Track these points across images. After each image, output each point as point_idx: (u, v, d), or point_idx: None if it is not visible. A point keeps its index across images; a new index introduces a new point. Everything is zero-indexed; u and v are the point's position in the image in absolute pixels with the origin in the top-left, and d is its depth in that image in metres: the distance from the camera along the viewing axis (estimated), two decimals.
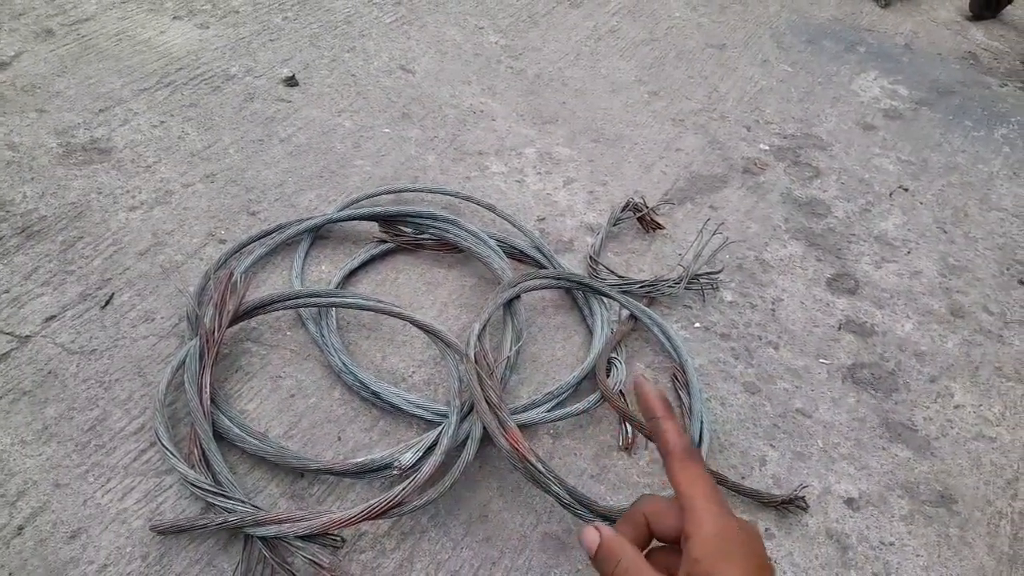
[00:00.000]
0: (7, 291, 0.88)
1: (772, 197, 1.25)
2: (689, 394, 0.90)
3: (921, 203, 1.29)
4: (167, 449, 0.73)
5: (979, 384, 0.99)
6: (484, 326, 0.82)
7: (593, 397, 0.83)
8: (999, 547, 0.81)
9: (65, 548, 0.68)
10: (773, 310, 1.05)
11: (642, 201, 1.13)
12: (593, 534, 0.49)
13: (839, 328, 1.04)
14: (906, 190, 1.32)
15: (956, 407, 0.95)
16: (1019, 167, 1.41)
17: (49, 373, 0.81)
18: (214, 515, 0.69)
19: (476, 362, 0.77)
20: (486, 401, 0.74)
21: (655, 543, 0.51)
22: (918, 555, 0.79)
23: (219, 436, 0.76)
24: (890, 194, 1.30)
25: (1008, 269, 1.17)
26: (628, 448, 0.84)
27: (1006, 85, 1.69)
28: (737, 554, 0.45)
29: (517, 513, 0.77)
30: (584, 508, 0.72)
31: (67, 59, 1.22)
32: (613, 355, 0.88)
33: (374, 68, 1.36)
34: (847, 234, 1.20)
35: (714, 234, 1.09)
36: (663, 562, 0.48)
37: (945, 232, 1.24)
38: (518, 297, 0.90)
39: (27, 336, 0.84)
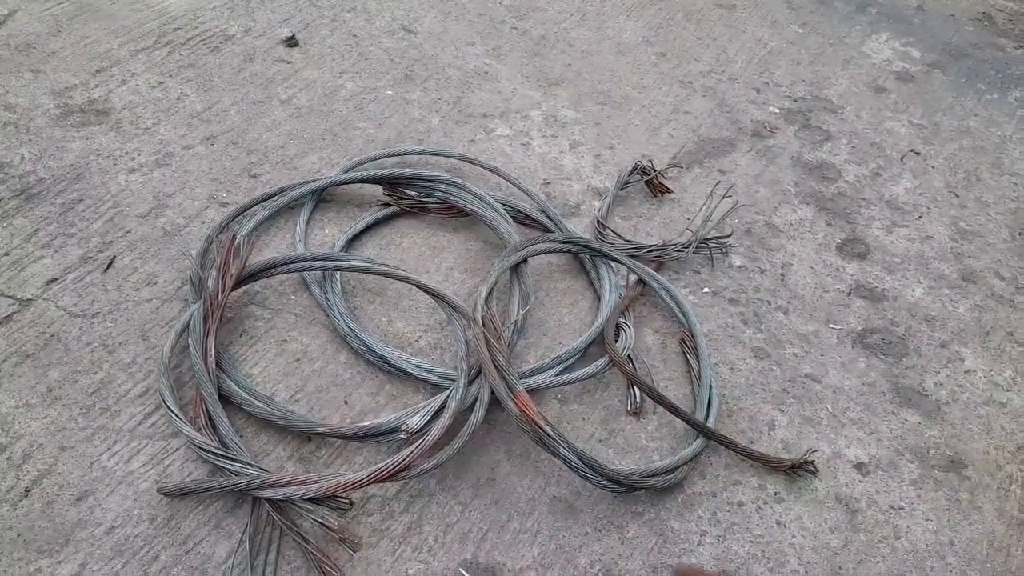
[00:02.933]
0: (7, 254, 0.87)
1: (782, 161, 1.23)
2: (698, 359, 0.89)
3: (933, 167, 1.27)
4: (172, 412, 0.72)
5: (990, 349, 0.98)
6: (491, 290, 0.81)
7: (602, 361, 0.82)
8: (1009, 511, 0.81)
9: (72, 510, 0.68)
10: (783, 275, 1.03)
11: (650, 164, 1.11)
12: None
13: (849, 293, 1.03)
14: (918, 154, 1.30)
15: (967, 372, 0.95)
16: None
17: (52, 336, 0.80)
18: (221, 478, 0.69)
19: (484, 326, 0.76)
20: (494, 365, 0.73)
21: None
22: (927, 519, 0.79)
23: (225, 399, 0.76)
24: (901, 158, 1.28)
25: (1020, 234, 1.16)
26: (636, 412, 0.83)
27: (1021, 47, 1.65)
28: None
29: (525, 476, 0.77)
30: (593, 471, 0.72)
31: (62, 18, 1.20)
32: (622, 320, 0.87)
33: (376, 28, 1.33)
34: (858, 198, 1.19)
35: (724, 198, 1.07)
36: None
37: (957, 196, 1.22)
38: (525, 261, 0.89)
39: (29, 299, 0.83)
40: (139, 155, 1.01)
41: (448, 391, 0.75)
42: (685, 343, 0.91)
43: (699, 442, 0.79)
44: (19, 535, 0.66)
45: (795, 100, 1.37)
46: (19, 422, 0.73)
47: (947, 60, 1.56)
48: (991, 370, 0.95)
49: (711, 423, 0.82)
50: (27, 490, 0.69)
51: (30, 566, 0.64)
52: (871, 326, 0.99)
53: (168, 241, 0.91)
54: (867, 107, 1.39)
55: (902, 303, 1.03)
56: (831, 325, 0.98)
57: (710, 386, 0.86)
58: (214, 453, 0.70)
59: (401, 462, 0.67)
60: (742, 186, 1.16)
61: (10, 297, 0.83)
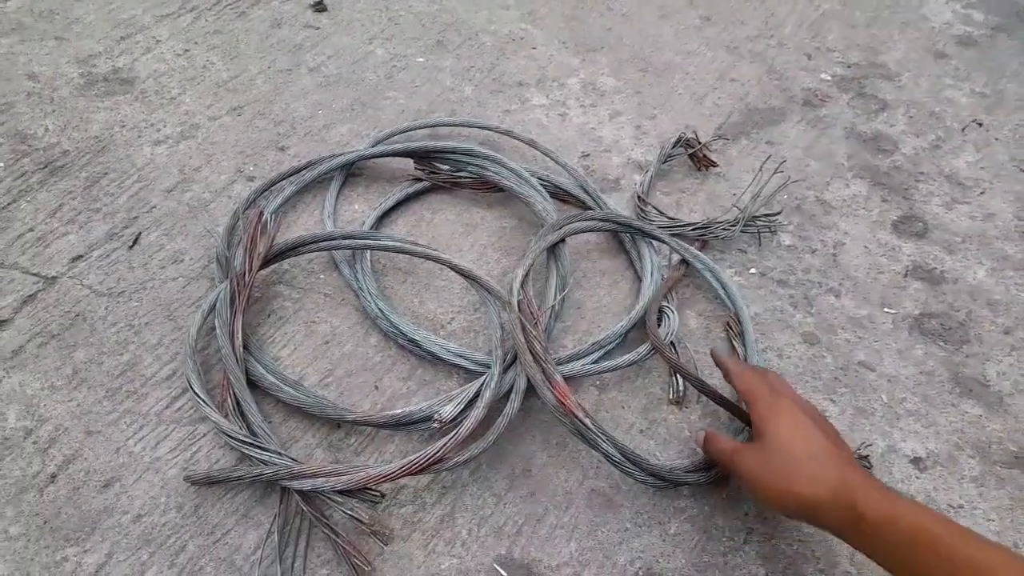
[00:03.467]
0: (31, 229, 0.85)
1: (834, 132, 1.16)
2: (744, 344, 0.84)
3: (996, 139, 1.19)
4: (199, 397, 0.70)
5: None
6: (527, 272, 0.77)
7: (643, 348, 0.78)
8: None
9: (99, 497, 0.67)
10: (834, 255, 0.98)
11: (694, 136, 1.05)
12: (702, 434, 0.72)
13: (906, 275, 0.97)
14: (980, 124, 1.21)
15: None
16: None
17: (77, 316, 0.79)
18: (249, 467, 0.67)
19: (520, 311, 0.73)
20: (531, 352, 0.70)
21: None
22: (989, 519, 0.74)
23: (252, 384, 0.73)
24: (963, 129, 1.20)
25: None
26: (679, 402, 0.80)
27: None
28: (779, 408, 0.65)
29: (562, 468, 0.73)
30: (634, 466, 0.68)
31: None
32: (665, 303, 0.83)
33: None
34: (915, 172, 1.11)
35: (775, 173, 1.01)
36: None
37: (1023, 171, 1.14)
38: (563, 241, 0.85)
39: (54, 277, 0.81)
40: (164, 127, 0.98)
41: (482, 379, 0.72)
42: (731, 327, 0.87)
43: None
44: (46, 522, 0.65)
45: (849, 66, 1.29)
46: (45, 405, 0.72)
47: (1013, 23, 1.46)
48: None
49: None
50: (53, 476, 0.68)
51: (57, 554, 0.63)
52: (929, 310, 0.93)
53: (194, 217, 0.88)
54: (926, 74, 1.30)
55: (963, 286, 0.96)
56: (886, 309, 0.93)
57: None
58: (242, 441, 0.68)
59: (433, 455, 0.64)
60: (792, 159, 1.10)
61: (35, 275, 0.81)
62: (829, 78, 1.26)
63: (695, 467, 0.73)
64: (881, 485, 0.59)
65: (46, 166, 0.91)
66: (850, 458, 0.62)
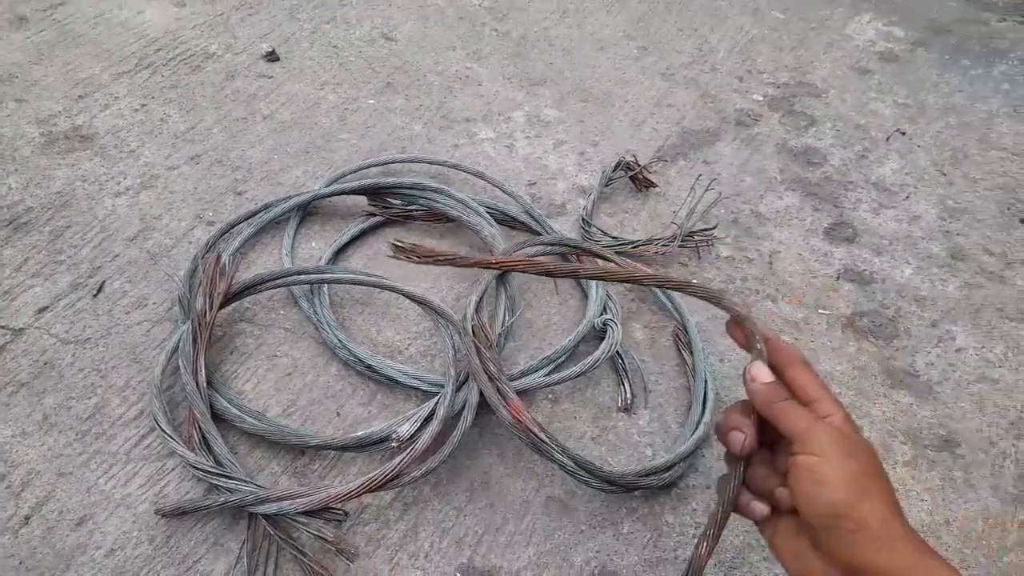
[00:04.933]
0: None
1: (767, 148, 1.23)
2: (692, 353, 0.89)
3: (919, 146, 1.27)
4: (166, 433, 0.73)
5: (981, 326, 0.98)
6: (480, 298, 0.82)
7: (590, 360, 0.83)
8: (1003, 487, 0.81)
9: (72, 535, 0.69)
10: (770, 263, 1.04)
11: (634, 160, 1.11)
12: (766, 371, 0.54)
13: (838, 278, 1.03)
14: (903, 134, 1.30)
15: (958, 350, 0.95)
16: (1019, 104, 1.38)
17: (45, 364, 0.81)
18: (217, 496, 0.70)
19: (474, 335, 0.77)
20: (486, 373, 0.74)
21: None
22: (922, 499, 0.79)
23: (218, 417, 0.77)
24: (887, 139, 1.28)
25: (1009, 208, 1.16)
26: (627, 409, 0.84)
27: (1005, 20, 1.64)
28: (860, 432, 0.52)
29: (519, 478, 0.77)
30: (589, 474, 0.72)
31: (43, 46, 1.21)
32: (608, 317, 0.88)
33: (356, 38, 1.33)
34: (844, 182, 1.19)
35: (707, 190, 1.07)
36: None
37: (944, 175, 1.22)
38: None
39: (21, 328, 0.84)
40: (125, 179, 1.02)
41: (436, 398, 0.76)
42: (679, 337, 0.92)
43: (694, 439, 0.79)
44: (21, 562, 0.67)
45: (778, 87, 1.37)
46: (16, 450, 0.74)
47: (931, 37, 1.56)
48: (982, 347, 0.95)
49: (707, 416, 0.82)
50: (27, 517, 0.70)
51: None
52: (861, 309, 0.99)
53: (155, 264, 0.92)
54: (851, 89, 1.39)
55: (891, 284, 1.03)
56: (821, 310, 0.98)
57: (705, 380, 0.86)
58: (209, 472, 0.71)
59: (391, 471, 0.68)
60: (727, 176, 1.16)
61: (3, 327, 0.84)
62: (760, 98, 1.34)
63: (646, 471, 0.77)
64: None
65: (10, 223, 0.94)
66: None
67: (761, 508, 0.54)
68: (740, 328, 0.58)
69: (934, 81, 1.43)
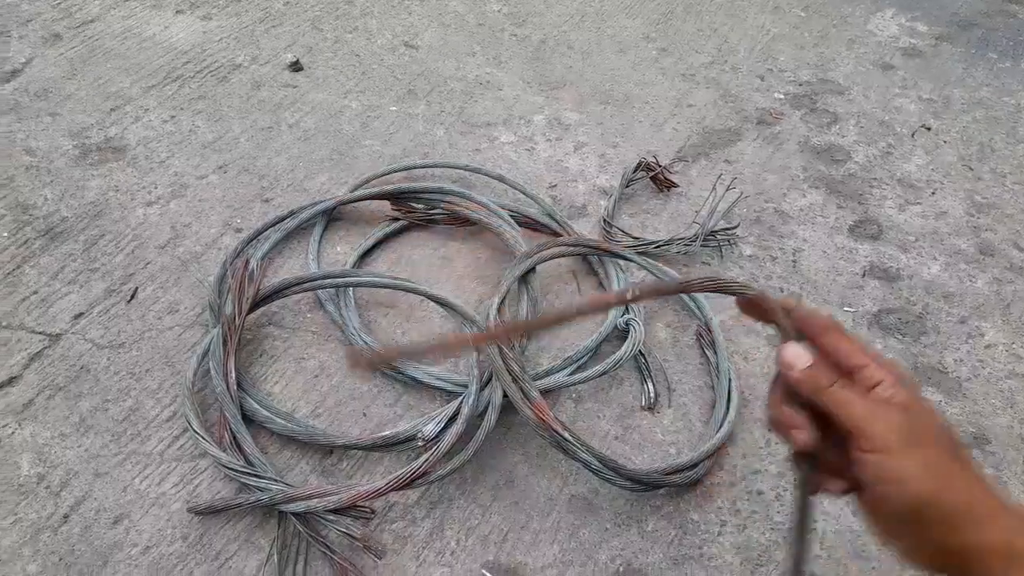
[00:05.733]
0: (35, 292, 0.91)
1: (789, 146, 1.23)
2: (715, 352, 0.89)
3: (945, 141, 1.26)
4: (199, 434, 0.75)
5: (1011, 322, 0.97)
6: (503, 300, 0.83)
7: (611, 360, 0.83)
8: None
9: (109, 533, 0.71)
10: (794, 261, 1.03)
11: (655, 160, 1.12)
12: (803, 353, 0.48)
13: (863, 275, 1.02)
14: (928, 129, 1.28)
15: (987, 347, 0.94)
16: None
17: (82, 368, 0.84)
18: (248, 495, 0.71)
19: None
20: (509, 373, 0.75)
21: None
22: None
23: (248, 419, 0.78)
24: (912, 135, 1.27)
25: None
26: (651, 408, 0.84)
27: None
28: (919, 393, 0.47)
29: (543, 477, 0.78)
30: (613, 472, 0.73)
31: (76, 61, 1.24)
32: (631, 317, 0.88)
33: (377, 46, 1.36)
34: (868, 179, 1.18)
35: (728, 189, 1.07)
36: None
37: (971, 169, 1.20)
38: (533, 269, 0.90)
39: (58, 334, 0.87)
40: (156, 188, 1.04)
41: (460, 397, 0.77)
42: (702, 336, 0.92)
43: (719, 437, 0.79)
44: (60, 559, 0.69)
45: (800, 84, 1.37)
46: (55, 452, 0.77)
47: (955, 31, 1.54)
48: (1012, 343, 0.94)
49: (732, 414, 0.82)
50: (66, 516, 0.72)
51: None
52: (887, 306, 0.98)
53: (186, 270, 0.94)
54: (874, 86, 1.37)
55: (918, 281, 1.02)
56: (846, 308, 0.98)
57: (729, 379, 0.86)
58: (240, 471, 0.72)
59: (418, 470, 0.69)
60: (749, 175, 1.16)
61: (40, 333, 0.87)
62: (782, 96, 1.34)
63: (671, 469, 0.77)
64: None
65: (47, 232, 0.97)
66: None
67: (839, 486, 0.48)
68: (755, 307, 0.52)
69: (960, 75, 1.41)
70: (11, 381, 0.82)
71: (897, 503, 0.43)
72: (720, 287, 0.54)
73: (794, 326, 0.49)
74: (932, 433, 0.45)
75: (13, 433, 0.78)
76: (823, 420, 0.47)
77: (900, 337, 0.94)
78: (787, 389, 0.49)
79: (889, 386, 0.46)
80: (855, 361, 0.47)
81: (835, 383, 0.46)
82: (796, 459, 0.49)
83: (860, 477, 0.45)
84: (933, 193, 1.16)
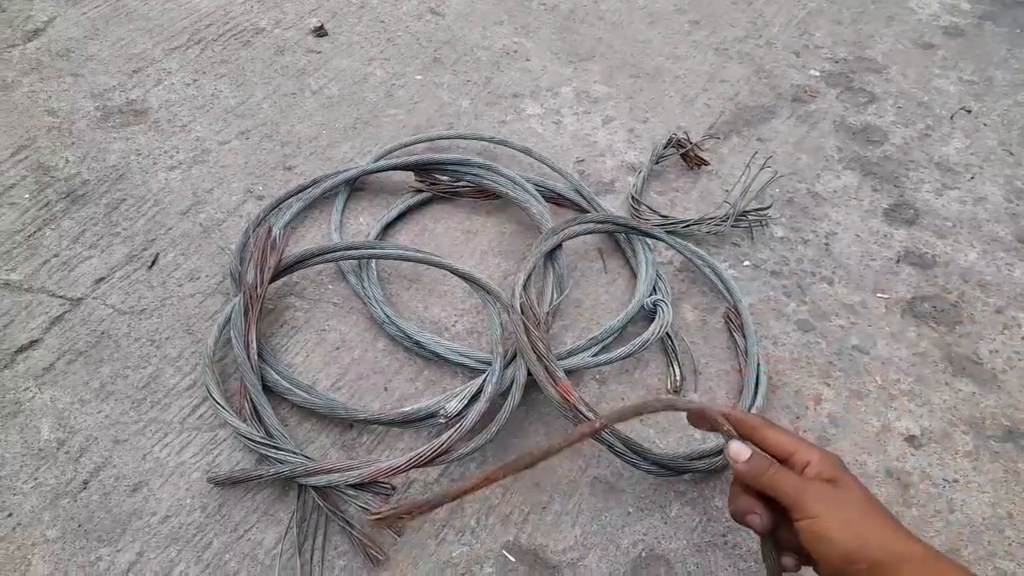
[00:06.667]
0: (56, 255, 0.90)
1: (824, 126, 1.19)
2: (744, 336, 0.87)
3: (985, 124, 1.22)
4: (219, 404, 0.74)
5: None
6: (528, 276, 0.81)
7: (638, 341, 0.81)
8: None
9: (128, 501, 0.71)
10: (827, 244, 1.00)
11: (685, 137, 1.09)
12: (745, 450, 0.59)
13: (898, 261, 0.99)
14: (969, 111, 1.24)
15: (1023, 338, 0.91)
16: None
17: (102, 334, 0.83)
18: (268, 466, 0.70)
19: (523, 313, 0.76)
20: (534, 352, 0.73)
21: None
22: (983, 492, 0.76)
23: (268, 390, 0.77)
24: (951, 117, 1.23)
25: None
26: (677, 391, 0.82)
27: None
28: (843, 467, 0.58)
29: (566, 458, 0.77)
30: (638, 456, 0.71)
31: (98, 21, 1.22)
32: (658, 297, 0.86)
33: (403, 13, 1.32)
34: (905, 161, 1.14)
35: (762, 168, 1.04)
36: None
37: (1012, 154, 1.16)
38: (559, 246, 0.88)
39: (79, 298, 0.86)
40: (177, 153, 1.03)
41: (484, 375, 0.75)
42: (731, 319, 0.90)
43: None
44: (80, 525, 0.69)
45: (837, 62, 1.32)
46: (75, 417, 0.76)
47: (999, 10, 1.48)
48: None
49: (759, 401, 0.81)
50: (85, 482, 0.72)
51: (91, 554, 0.67)
52: (922, 294, 0.95)
53: (208, 237, 0.93)
54: (913, 65, 1.33)
55: (954, 268, 0.99)
56: (879, 294, 0.95)
57: (758, 364, 0.84)
58: (259, 442, 0.71)
59: (439, 447, 0.68)
60: (782, 154, 1.13)
61: (61, 297, 0.86)
62: (817, 74, 1.29)
63: (697, 455, 0.75)
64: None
65: (68, 195, 0.96)
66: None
67: (790, 562, 0.59)
68: (702, 418, 0.63)
69: (1003, 56, 1.36)
70: (32, 344, 0.82)
71: (832, 560, 0.52)
72: (670, 406, 0.65)
73: (735, 428, 0.61)
74: (853, 493, 0.55)
75: (34, 397, 0.78)
76: (775, 506, 0.57)
77: (934, 326, 0.92)
78: (739, 481, 0.60)
79: (816, 464, 0.56)
80: (787, 447, 0.58)
81: (770, 469, 0.57)
82: (762, 546, 0.59)
83: (801, 541, 0.54)
84: (972, 178, 1.12)
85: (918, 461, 0.78)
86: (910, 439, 0.80)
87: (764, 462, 0.58)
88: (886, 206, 1.07)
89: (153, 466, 0.73)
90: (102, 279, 0.88)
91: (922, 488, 0.76)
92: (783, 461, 0.58)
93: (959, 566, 0.52)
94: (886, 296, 0.95)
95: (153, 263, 0.90)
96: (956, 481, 0.77)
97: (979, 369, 0.88)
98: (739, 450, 0.59)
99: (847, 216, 1.05)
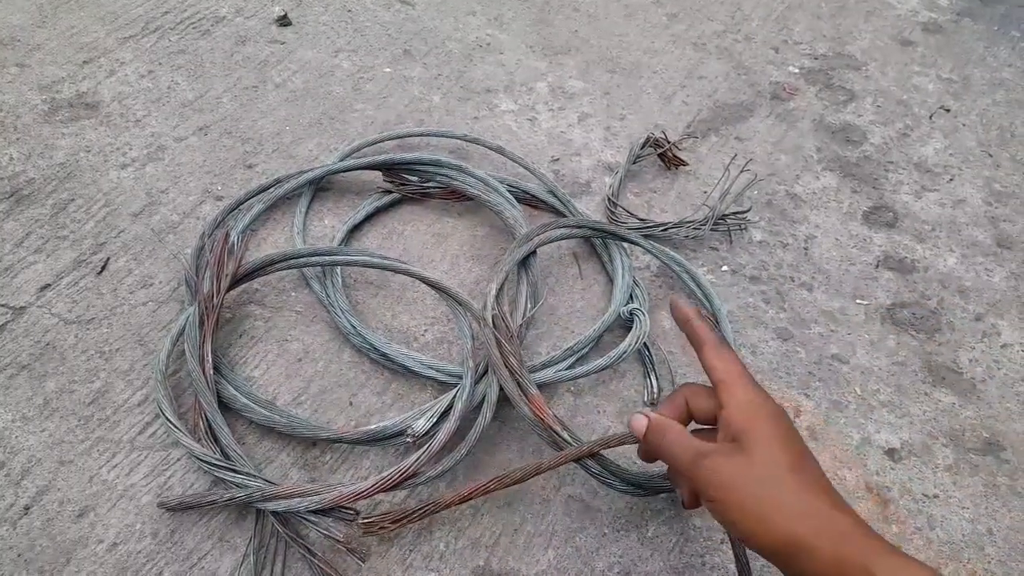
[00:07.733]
0: None
1: (803, 125, 1.17)
2: None
3: (964, 124, 1.20)
4: (171, 423, 0.70)
5: None
6: (501, 286, 0.77)
7: (615, 352, 0.78)
8: None
9: (73, 527, 0.66)
10: (806, 248, 0.98)
11: (663, 136, 1.06)
12: (642, 419, 0.57)
13: (877, 265, 0.97)
14: (947, 111, 1.23)
15: (1003, 346, 0.90)
16: None
17: (47, 345, 0.78)
18: (223, 490, 0.66)
19: (495, 325, 0.73)
20: (507, 367, 0.70)
21: (693, 425, 0.58)
22: (964, 507, 0.75)
23: (225, 406, 0.73)
24: (930, 116, 1.21)
25: None
26: (654, 403, 0.80)
27: None
28: (767, 415, 0.51)
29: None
30: (613, 476, 0.68)
31: (46, 7, 1.15)
32: (635, 306, 0.83)
33: (371, 2, 1.27)
34: (884, 162, 1.12)
35: (742, 171, 1.01)
36: (703, 439, 0.55)
37: (990, 156, 1.15)
38: (534, 252, 0.85)
39: (22, 307, 0.81)
40: (130, 150, 0.97)
41: (454, 391, 0.72)
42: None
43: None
44: (19, 555, 0.64)
45: (816, 58, 1.30)
46: (16, 436, 0.71)
47: (977, 7, 1.47)
48: None
49: None
50: (27, 508, 0.67)
51: None
52: (901, 300, 0.94)
53: (161, 241, 0.88)
54: (893, 62, 1.31)
55: (933, 274, 0.97)
56: (858, 300, 0.93)
57: None
58: (215, 464, 0.67)
59: (406, 470, 0.64)
60: (761, 154, 1.10)
61: (3, 306, 0.81)
62: (797, 70, 1.27)
63: None
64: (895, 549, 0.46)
65: (12, 195, 0.91)
66: (846, 507, 0.49)
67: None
68: (677, 310, 0.63)
69: (981, 54, 1.35)
70: None
71: (752, 548, 0.48)
72: (623, 441, 0.64)
73: (689, 338, 0.60)
74: (757, 463, 0.47)
75: None
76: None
77: (914, 333, 0.90)
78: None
79: (727, 415, 0.52)
80: (713, 378, 0.55)
81: (666, 437, 0.54)
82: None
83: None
84: (951, 180, 1.11)
85: (898, 475, 0.77)
86: (890, 452, 0.79)
87: (658, 430, 0.54)
88: (865, 208, 1.05)
89: (100, 489, 0.69)
90: (47, 286, 0.83)
91: (902, 504, 0.74)
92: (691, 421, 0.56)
93: (884, 542, 0.45)
94: (865, 302, 0.93)
95: (103, 269, 0.85)
96: (936, 496, 0.75)
97: (958, 379, 0.86)
98: (636, 423, 0.58)
99: (826, 219, 1.03)
